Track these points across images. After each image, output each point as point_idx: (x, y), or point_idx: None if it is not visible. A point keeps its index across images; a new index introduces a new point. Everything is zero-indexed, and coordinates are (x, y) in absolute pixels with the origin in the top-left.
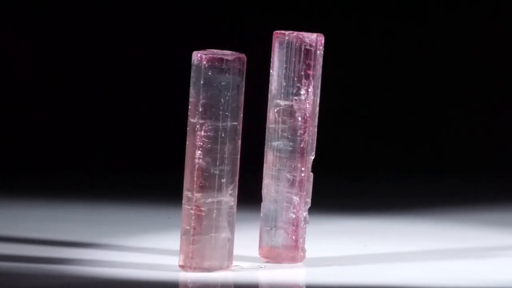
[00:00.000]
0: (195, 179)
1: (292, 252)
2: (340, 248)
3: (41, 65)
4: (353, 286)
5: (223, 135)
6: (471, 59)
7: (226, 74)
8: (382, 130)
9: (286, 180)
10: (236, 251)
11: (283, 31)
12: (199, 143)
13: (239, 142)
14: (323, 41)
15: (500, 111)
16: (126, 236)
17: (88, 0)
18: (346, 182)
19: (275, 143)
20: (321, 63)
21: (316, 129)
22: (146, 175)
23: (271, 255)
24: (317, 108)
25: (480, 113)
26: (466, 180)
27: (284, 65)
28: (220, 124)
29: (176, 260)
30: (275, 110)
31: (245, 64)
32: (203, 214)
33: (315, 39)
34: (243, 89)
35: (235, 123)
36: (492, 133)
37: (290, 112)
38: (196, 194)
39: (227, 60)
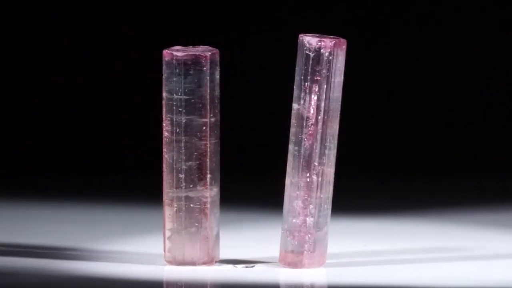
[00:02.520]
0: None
1: (294, 257)
2: (340, 248)
3: (41, 65)
4: (352, 286)
5: (177, 130)
6: (471, 59)
7: (177, 70)
8: (382, 131)
9: (291, 184)
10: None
11: (303, 34)
12: (163, 137)
13: (208, 139)
14: (330, 46)
15: (501, 112)
16: (126, 236)
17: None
18: (346, 182)
19: (289, 147)
20: (331, 68)
21: (327, 136)
22: (144, 176)
23: (280, 259)
24: (330, 114)
25: (480, 114)
26: (467, 181)
27: (296, 69)
28: (175, 120)
29: None
30: (291, 114)
31: (208, 61)
32: (170, 208)
33: (315, 44)
34: (207, 86)
35: (203, 119)
36: (492, 134)
37: (297, 116)
38: (165, 188)
39: (177, 57)
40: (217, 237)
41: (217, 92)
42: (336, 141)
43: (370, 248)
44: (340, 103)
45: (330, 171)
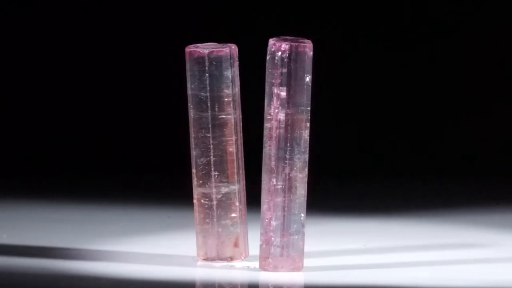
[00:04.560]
0: None
1: (262, 259)
2: (340, 248)
3: (41, 64)
4: (352, 286)
5: (189, 124)
6: (470, 59)
7: (188, 65)
8: (382, 132)
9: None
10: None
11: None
12: None
13: (211, 135)
14: (284, 48)
15: (501, 114)
16: (129, 236)
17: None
18: (346, 183)
19: None
20: (287, 71)
21: (289, 140)
22: (141, 176)
23: None
24: (290, 118)
25: (480, 116)
26: (467, 181)
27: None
28: (188, 115)
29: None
30: None
31: (206, 59)
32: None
33: (270, 46)
34: (206, 83)
35: (206, 115)
36: (491, 136)
37: (266, 120)
38: None
39: (188, 53)
40: (233, 235)
41: (226, 90)
42: (303, 146)
43: (369, 247)
44: (307, 107)
45: (296, 175)
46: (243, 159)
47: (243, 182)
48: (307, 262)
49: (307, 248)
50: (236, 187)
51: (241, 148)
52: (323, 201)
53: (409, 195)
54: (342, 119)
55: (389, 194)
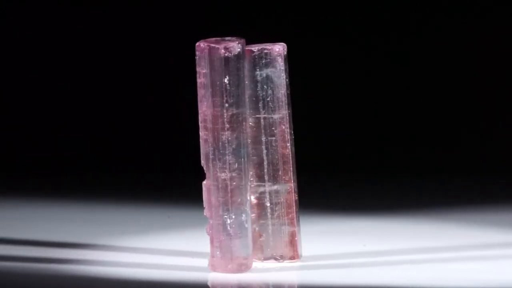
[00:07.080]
0: None
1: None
2: (340, 248)
3: (41, 64)
4: (352, 286)
5: None
6: (470, 57)
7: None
8: (383, 132)
9: None
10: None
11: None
12: None
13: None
14: (202, 49)
15: (502, 112)
16: (133, 236)
17: None
18: (346, 183)
19: None
20: (206, 71)
21: (218, 141)
22: (142, 175)
23: None
24: (220, 120)
25: (480, 116)
26: (467, 181)
27: None
28: None
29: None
30: None
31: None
32: None
33: (196, 46)
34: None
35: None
36: (492, 135)
37: None
38: None
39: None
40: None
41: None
42: (221, 147)
43: (369, 248)
44: (224, 109)
45: (219, 176)
46: (294, 160)
47: (291, 183)
48: (307, 261)
49: (308, 247)
50: (283, 188)
51: (290, 149)
52: (323, 201)
53: (409, 195)
54: (342, 119)
55: (389, 194)
